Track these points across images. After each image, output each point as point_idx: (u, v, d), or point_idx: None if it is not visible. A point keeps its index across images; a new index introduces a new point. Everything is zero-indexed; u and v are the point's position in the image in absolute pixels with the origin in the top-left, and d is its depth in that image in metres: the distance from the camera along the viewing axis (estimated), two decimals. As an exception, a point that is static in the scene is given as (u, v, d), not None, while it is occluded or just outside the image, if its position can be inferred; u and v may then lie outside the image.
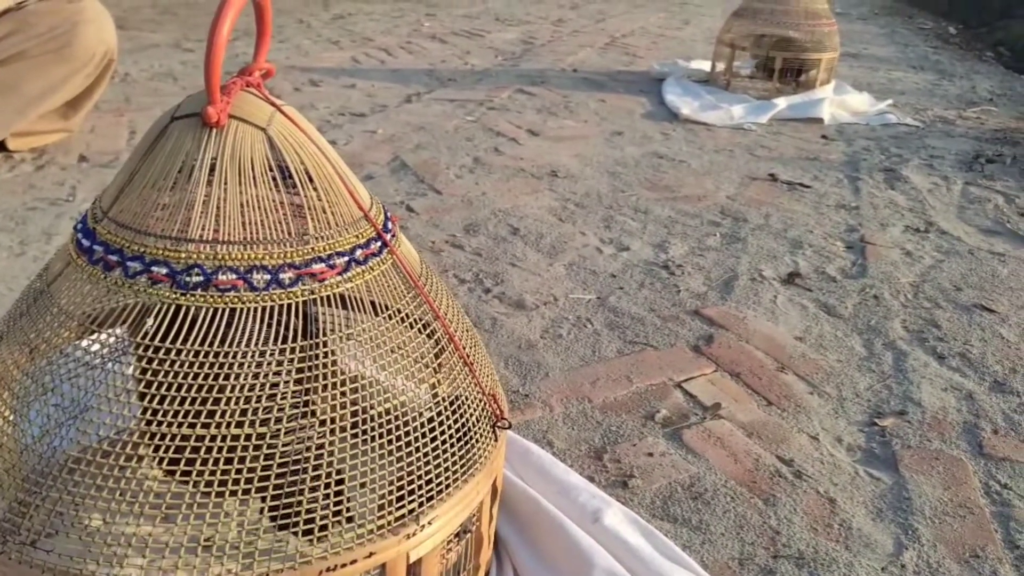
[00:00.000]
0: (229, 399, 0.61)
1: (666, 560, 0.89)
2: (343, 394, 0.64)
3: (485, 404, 0.78)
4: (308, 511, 0.62)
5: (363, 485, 0.65)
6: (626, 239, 1.87)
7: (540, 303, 1.55)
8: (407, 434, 0.68)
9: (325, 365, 0.64)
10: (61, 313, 0.65)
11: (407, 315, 0.71)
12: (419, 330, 0.73)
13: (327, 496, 0.63)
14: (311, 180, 0.68)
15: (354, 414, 0.65)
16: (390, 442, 0.67)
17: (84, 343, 0.65)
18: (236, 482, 0.60)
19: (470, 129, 2.66)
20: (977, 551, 1.00)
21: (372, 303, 0.71)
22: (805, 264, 1.78)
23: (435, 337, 0.75)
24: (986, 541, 1.02)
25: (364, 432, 0.66)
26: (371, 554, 0.64)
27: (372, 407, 0.66)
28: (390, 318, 0.71)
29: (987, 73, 4.08)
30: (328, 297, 0.67)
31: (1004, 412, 1.28)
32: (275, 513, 0.61)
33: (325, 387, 0.64)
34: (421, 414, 0.70)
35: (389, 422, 0.67)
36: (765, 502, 1.06)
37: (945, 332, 1.52)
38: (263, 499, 0.61)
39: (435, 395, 0.73)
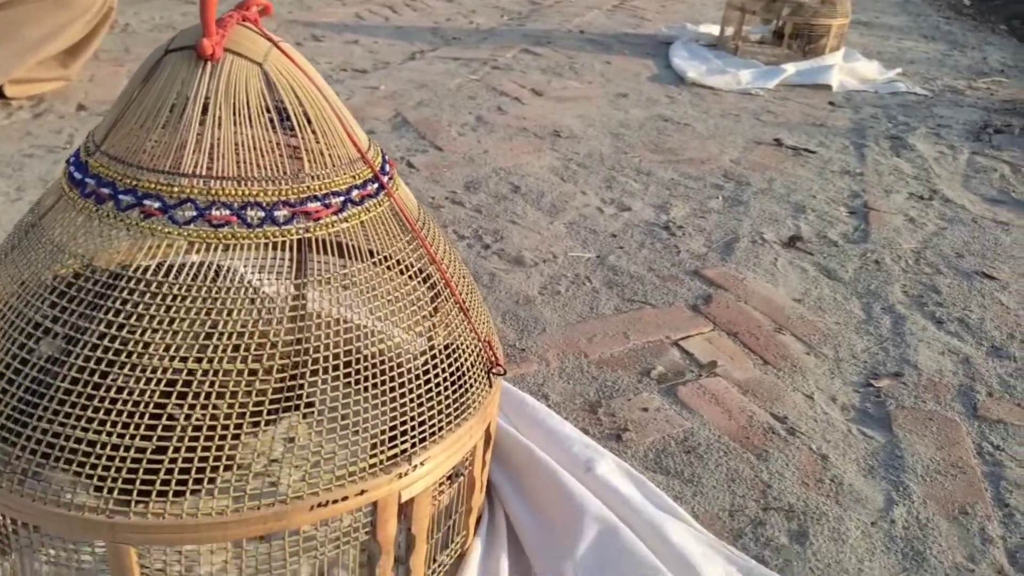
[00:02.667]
0: (221, 335, 0.61)
1: (657, 509, 0.90)
2: (336, 333, 0.64)
3: (480, 351, 0.78)
4: (301, 447, 0.62)
5: (355, 424, 0.65)
6: (627, 200, 1.86)
7: (539, 260, 1.55)
8: (400, 376, 0.68)
9: (318, 305, 0.64)
10: (52, 246, 0.65)
11: (403, 262, 0.71)
12: (414, 277, 0.73)
13: (318, 434, 0.63)
14: (307, 118, 0.67)
15: (347, 354, 0.65)
16: (383, 383, 0.67)
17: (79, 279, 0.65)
18: (228, 417, 0.60)
19: (473, 88, 2.63)
20: (967, 508, 1.01)
21: (369, 251, 0.70)
22: (807, 228, 1.77)
23: (431, 283, 0.75)
24: (976, 499, 1.02)
25: (356, 373, 0.66)
26: (362, 492, 0.64)
27: (365, 347, 0.66)
28: (387, 266, 0.70)
29: (999, 45, 4.02)
30: (324, 242, 0.66)
31: (1000, 376, 1.28)
32: (264, 450, 0.61)
33: (318, 326, 0.64)
34: (415, 358, 0.70)
35: (382, 363, 0.67)
36: (757, 457, 1.07)
37: (945, 298, 1.51)
38: (254, 436, 0.61)
39: (430, 340, 0.73)
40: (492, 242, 1.60)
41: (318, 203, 0.66)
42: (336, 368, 0.64)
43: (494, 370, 0.78)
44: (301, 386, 0.63)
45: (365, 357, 0.66)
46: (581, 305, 1.41)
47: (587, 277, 1.50)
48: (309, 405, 0.63)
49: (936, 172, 2.16)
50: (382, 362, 0.67)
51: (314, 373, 0.63)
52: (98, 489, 0.58)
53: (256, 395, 0.61)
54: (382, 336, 0.69)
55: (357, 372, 0.66)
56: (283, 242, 0.64)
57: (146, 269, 0.61)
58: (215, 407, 0.60)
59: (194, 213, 0.63)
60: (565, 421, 1.02)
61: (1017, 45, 4.06)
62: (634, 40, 3.49)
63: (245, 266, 0.64)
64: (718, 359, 1.27)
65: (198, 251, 0.63)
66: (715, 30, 3.46)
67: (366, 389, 0.66)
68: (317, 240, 0.66)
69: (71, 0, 2.12)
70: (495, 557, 0.83)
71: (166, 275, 0.61)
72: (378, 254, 0.70)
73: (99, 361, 0.59)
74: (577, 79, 2.83)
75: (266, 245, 0.64)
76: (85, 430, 0.58)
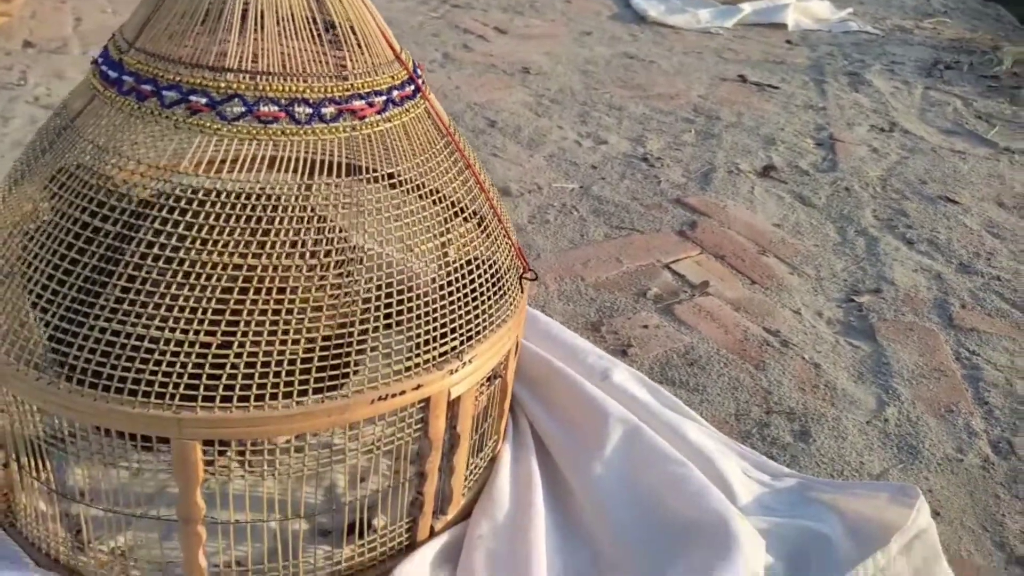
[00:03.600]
0: (279, 231, 0.61)
1: (673, 412, 0.93)
2: (390, 241, 0.65)
3: (513, 257, 0.79)
4: (360, 342, 0.62)
5: (409, 322, 0.65)
6: (603, 133, 1.87)
7: (525, 191, 1.56)
8: (449, 284, 0.68)
9: (370, 203, 0.64)
10: (92, 146, 0.63)
11: (443, 178, 0.71)
12: (450, 195, 0.73)
13: (376, 330, 0.64)
14: (347, 14, 0.67)
15: (400, 261, 0.66)
16: (434, 291, 0.67)
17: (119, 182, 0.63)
18: (289, 312, 0.60)
19: (436, 25, 2.59)
20: (951, 407, 1.07)
21: (389, 174, 0.69)
22: (779, 159, 1.82)
23: (464, 200, 0.75)
24: (959, 399, 1.09)
25: (409, 279, 0.66)
26: (418, 386, 0.65)
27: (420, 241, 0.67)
28: (421, 183, 0.70)
29: (940, -13, 4.12)
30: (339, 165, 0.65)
31: (970, 290, 1.35)
32: (327, 343, 0.62)
33: (371, 222, 0.64)
34: (463, 265, 0.70)
35: (439, 267, 0.68)
36: (756, 367, 1.12)
37: (913, 220, 1.58)
38: (315, 330, 0.61)
39: (474, 250, 0.74)
40: (476, 174, 1.60)
41: (362, 101, 0.66)
42: (390, 274, 0.64)
43: (525, 275, 0.80)
44: (358, 287, 0.63)
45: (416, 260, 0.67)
46: (571, 232, 1.42)
47: (573, 206, 1.52)
48: (366, 305, 0.64)
49: (893, 106, 2.23)
50: (438, 267, 0.68)
51: (369, 271, 0.63)
52: (163, 386, 0.58)
53: (316, 291, 0.61)
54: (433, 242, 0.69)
55: (410, 279, 0.66)
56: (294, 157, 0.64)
57: (198, 164, 0.60)
58: (277, 302, 0.60)
59: (242, 109, 0.61)
60: (577, 335, 1.05)
61: (957, -11, 4.17)
62: (591, -20, 3.46)
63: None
64: (709, 279, 1.31)
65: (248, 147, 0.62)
66: (671, -29, 3.45)
67: (419, 296, 0.67)
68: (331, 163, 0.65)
69: (11, -72, 1.99)
70: (524, 460, 0.86)
71: (218, 171, 0.60)
72: (420, 164, 0.70)
73: (156, 259, 0.58)
74: (539, 17, 2.80)
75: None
76: (147, 327, 0.58)
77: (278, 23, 0.63)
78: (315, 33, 0.65)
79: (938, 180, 1.78)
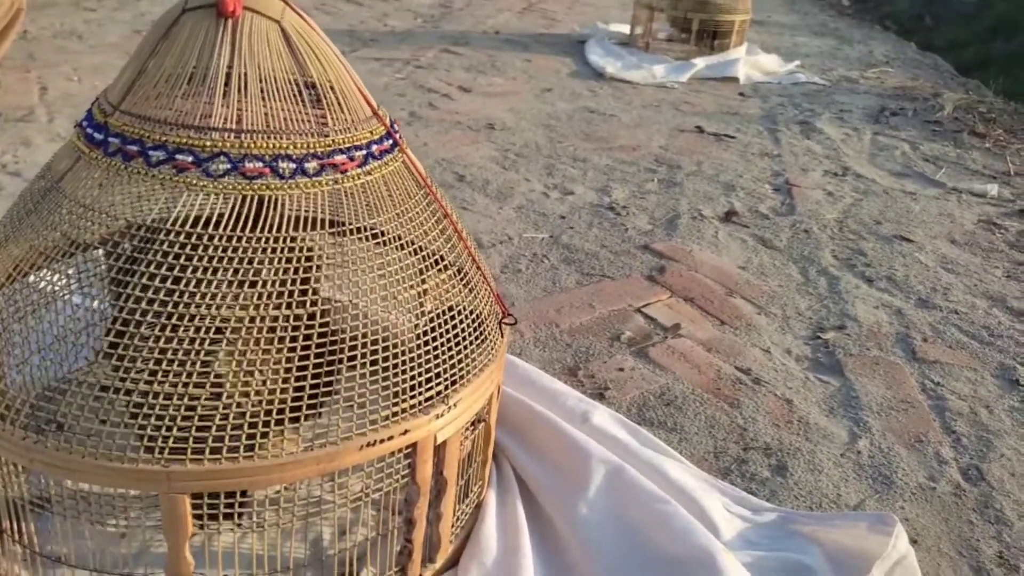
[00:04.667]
0: (265, 282, 0.62)
1: (654, 452, 0.95)
2: (373, 291, 0.66)
3: (492, 303, 0.81)
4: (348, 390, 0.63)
5: (395, 368, 0.67)
6: (569, 184, 1.92)
7: (496, 242, 1.58)
8: (433, 330, 0.70)
9: (356, 253, 0.66)
10: (79, 206, 0.64)
11: (423, 227, 0.73)
12: (414, 252, 0.75)
13: (362, 377, 0.65)
14: (326, 74, 0.69)
15: (384, 307, 0.67)
16: (420, 336, 0.69)
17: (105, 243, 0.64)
18: (277, 362, 0.61)
19: (401, 86, 2.65)
20: (921, 437, 1.10)
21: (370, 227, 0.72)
22: (739, 204, 1.88)
23: (443, 250, 0.77)
24: (927, 429, 1.12)
25: (393, 327, 0.68)
26: (405, 431, 0.66)
27: (401, 291, 0.68)
28: (398, 236, 0.72)
29: (881, 39, 4.33)
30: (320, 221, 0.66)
31: (930, 324, 1.40)
32: (315, 391, 0.63)
33: (354, 273, 0.66)
34: (446, 312, 0.72)
35: (418, 315, 0.69)
36: (730, 405, 1.14)
37: (871, 259, 1.63)
38: (302, 378, 0.62)
39: (455, 296, 0.76)
40: (447, 227, 1.63)
41: (344, 155, 0.68)
42: (375, 322, 0.66)
43: (505, 319, 0.81)
44: (343, 336, 0.65)
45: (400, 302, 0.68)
46: (544, 280, 1.45)
47: (544, 255, 1.55)
48: (351, 354, 0.65)
49: (845, 151, 2.32)
50: (418, 316, 0.69)
51: (355, 319, 0.65)
52: (151, 440, 0.58)
53: (303, 340, 0.62)
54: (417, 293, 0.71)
55: (392, 327, 0.68)
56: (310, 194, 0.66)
57: (184, 221, 0.61)
58: (264, 352, 0.60)
59: (228, 166, 0.63)
60: (555, 379, 1.06)
61: (896, 39, 4.39)
62: (549, 39, 3.58)
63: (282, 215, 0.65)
64: (680, 322, 1.34)
65: (233, 203, 0.63)
66: (625, 29, 3.59)
67: (404, 343, 0.68)
68: (314, 219, 0.67)
69: (-23, 0, 2.02)
70: (510, 505, 0.86)
71: (204, 226, 0.62)
72: (401, 215, 0.72)
73: (143, 313, 0.59)
74: (501, 76, 2.88)
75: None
76: (135, 381, 0.58)
77: (261, 83, 0.65)
78: (296, 92, 0.67)
79: (892, 220, 1.84)
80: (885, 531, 0.85)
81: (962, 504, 0.98)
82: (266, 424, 0.60)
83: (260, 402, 0.60)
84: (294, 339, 0.62)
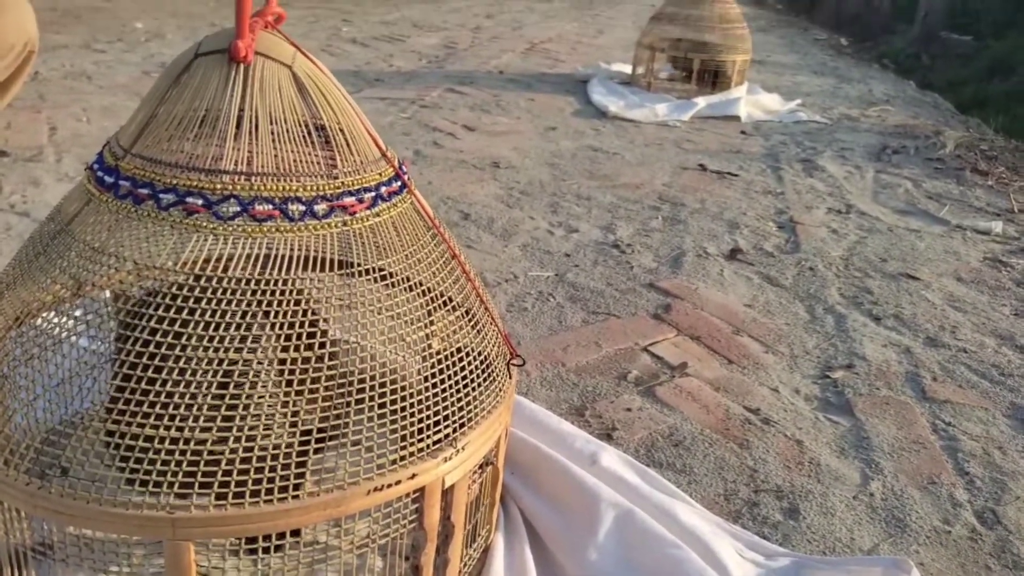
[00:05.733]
0: (273, 325, 0.62)
1: (664, 495, 0.93)
2: (382, 332, 0.66)
3: (500, 343, 0.80)
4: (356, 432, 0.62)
5: (403, 411, 0.66)
6: (574, 222, 1.92)
7: (501, 280, 1.58)
8: (441, 372, 0.69)
9: (363, 295, 0.66)
10: (88, 249, 0.64)
11: (432, 267, 0.73)
12: (422, 293, 0.75)
13: (370, 420, 0.64)
14: (336, 117, 0.70)
15: (391, 352, 0.67)
16: (426, 379, 0.68)
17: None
18: (285, 405, 0.60)
19: (406, 125, 2.67)
20: (934, 479, 1.08)
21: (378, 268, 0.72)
22: (744, 242, 1.88)
23: (452, 290, 0.77)
24: (940, 470, 1.10)
25: (401, 370, 0.67)
26: (413, 475, 0.65)
27: (409, 332, 0.68)
28: (406, 278, 0.72)
29: (880, 78, 4.38)
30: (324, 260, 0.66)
31: (940, 363, 1.39)
32: (323, 435, 0.62)
33: (362, 315, 0.65)
34: (454, 353, 0.72)
35: (427, 357, 0.69)
36: (740, 446, 1.12)
37: (877, 297, 1.63)
38: (311, 422, 0.61)
39: (463, 337, 0.75)
40: (452, 265, 1.63)
41: (352, 198, 0.68)
42: (383, 364, 0.65)
43: (513, 361, 0.81)
44: (351, 378, 0.64)
45: (406, 345, 0.68)
46: (549, 319, 1.44)
47: (550, 294, 1.54)
48: (359, 397, 0.64)
49: (848, 189, 2.33)
50: (425, 357, 0.69)
51: (363, 362, 0.64)
52: (156, 485, 0.57)
53: (311, 383, 0.61)
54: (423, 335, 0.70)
55: (400, 370, 0.67)
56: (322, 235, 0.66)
57: (193, 263, 0.61)
58: (272, 396, 0.60)
59: (238, 208, 0.63)
60: (563, 420, 1.05)
61: (895, 78, 4.44)
62: (552, 79, 3.62)
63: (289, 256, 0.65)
64: (687, 360, 1.33)
65: (242, 246, 0.63)
66: (627, 69, 3.63)
67: (411, 385, 0.67)
68: (316, 258, 0.67)
69: (-11, 43, 2.04)
70: (518, 550, 0.85)
71: (214, 269, 0.62)
72: (409, 257, 0.72)
73: (151, 357, 0.59)
74: (505, 115, 2.91)
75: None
76: (141, 426, 0.57)
77: (271, 126, 0.66)
78: (305, 135, 0.67)
79: (897, 258, 1.84)
80: (901, 576, 0.84)
81: (978, 548, 0.97)
82: (272, 470, 0.59)
83: (268, 447, 0.59)
84: (302, 382, 0.61)
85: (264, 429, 0.59)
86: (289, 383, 0.61)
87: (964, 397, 1.29)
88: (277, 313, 0.62)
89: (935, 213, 2.15)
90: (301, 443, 0.61)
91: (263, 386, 0.60)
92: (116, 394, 0.58)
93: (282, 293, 0.63)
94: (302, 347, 0.62)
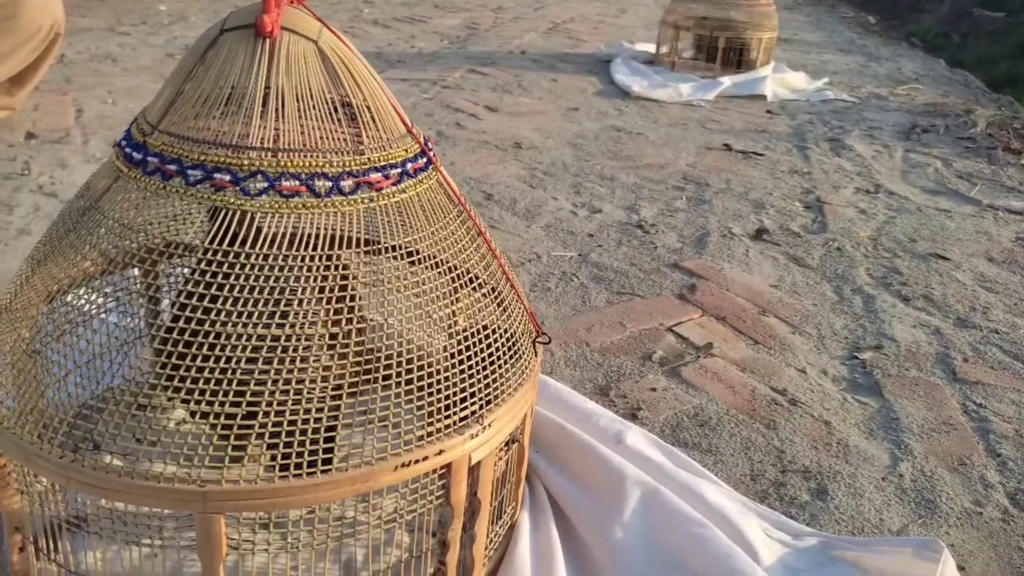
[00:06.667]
0: (301, 300, 0.62)
1: (690, 474, 0.93)
2: (408, 310, 0.66)
3: (526, 321, 0.80)
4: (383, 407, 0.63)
5: (430, 387, 0.66)
6: (597, 203, 1.91)
7: (524, 260, 1.58)
8: (468, 349, 0.69)
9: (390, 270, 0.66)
10: (118, 225, 0.64)
11: (456, 246, 0.72)
12: (448, 271, 0.74)
13: (397, 397, 0.64)
14: (361, 93, 0.69)
15: (419, 326, 0.66)
16: (454, 355, 0.68)
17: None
18: (313, 380, 0.61)
19: (428, 106, 2.66)
20: (964, 460, 1.07)
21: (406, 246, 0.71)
22: (770, 222, 1.85)
23: (476, 267, 0.77)
24: (971, 451, 1.09)
25: (428, 345, 0.67)
26: (440, 452, 0.65)
27: (435, 310, 0.67)
28: (431, 254, 0.71)
29: (909, 56, 4.29)
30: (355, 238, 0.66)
31: (970, 344, 1.37)
32: (350, 411, 0.62)
33: (389, 291, 0.65)
34: (481, 330, 0.71)
35: (454, 335, 0.69)
36: (766, 426, 1.12)
37: (907, 278, 1.61)
38: (340, 397, 0.61)
39: (489, 315, 0.75)
40: (475, 246, 1.62)
41: (379, 174, 0.68)
42: (410, 341, 0.65)
43: (538, 339, 0.81)
44: (378, 355, 0.64)
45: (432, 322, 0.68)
46: (573, 299, 1.44)
47: (573, 274, 1.54)
48: (386, 374, 0.64)
49: (876, 169, 2.30)
50: (451, 335, 0.69)
51: (390, 338, 0.64)
52: (187, 459, 0.58)
53: (339, 358, 0.61)
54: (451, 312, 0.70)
55: (427, 347, 0.67)
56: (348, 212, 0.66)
57: (222, 239, 0.61)
58: (301, 371, 0.60)
59: (265, 184, 0.63)
60: (587, 399, 1.05)
61: (924, 56, 4.35)
62: (574, 59, 3.59)
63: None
64: (712, 341, 1.32)
65: (270, 221, 0.63)
66: (651, 48, 3.59)
67: (440, 361, 0.67)
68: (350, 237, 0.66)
69: (17, 26, 2.06)
70: (543, 528, 0.85)
71: (242, 244, 0.62)
72: (435, 233, 0.72)
73: (181, 332, 0.59)
74: (527, 95, 2.89)
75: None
76: (171, 400, 0.58)
77: (297, 102, 0.65)
78: (331, 111, 0.67)
79: (927, 238, 1.81)
80: (931, 557, 0.83)
81: (1010, 530, 0.95)
82: (301, 444, 0.59)
83: (297, 422, 0.59)
84: (330, 357, 0.61)
85: (293, 406, 0.60)
86: (317, 360, 0.61)
87: (996, 378, 1.27)
88: (305, 290, 0.62)
89: (966, 193, 2.11)
90: (330, 418, 0.61)
91: (302, 360, 0.60)
92: (147, 369, 0.59)
93: (309, 270, 0.63)
94: (328, 324, 0.62)
